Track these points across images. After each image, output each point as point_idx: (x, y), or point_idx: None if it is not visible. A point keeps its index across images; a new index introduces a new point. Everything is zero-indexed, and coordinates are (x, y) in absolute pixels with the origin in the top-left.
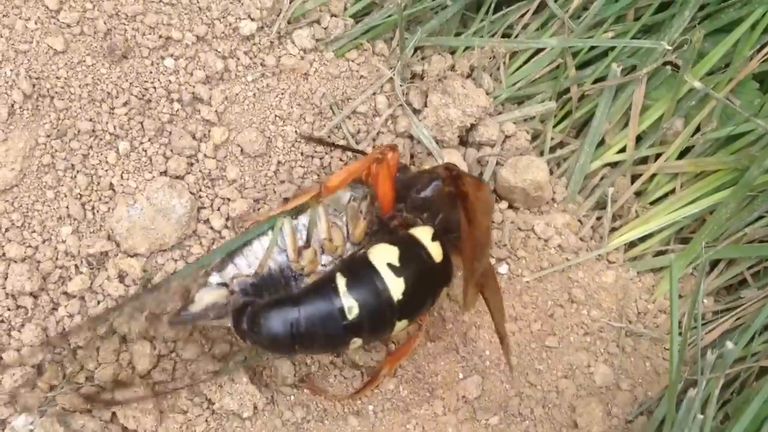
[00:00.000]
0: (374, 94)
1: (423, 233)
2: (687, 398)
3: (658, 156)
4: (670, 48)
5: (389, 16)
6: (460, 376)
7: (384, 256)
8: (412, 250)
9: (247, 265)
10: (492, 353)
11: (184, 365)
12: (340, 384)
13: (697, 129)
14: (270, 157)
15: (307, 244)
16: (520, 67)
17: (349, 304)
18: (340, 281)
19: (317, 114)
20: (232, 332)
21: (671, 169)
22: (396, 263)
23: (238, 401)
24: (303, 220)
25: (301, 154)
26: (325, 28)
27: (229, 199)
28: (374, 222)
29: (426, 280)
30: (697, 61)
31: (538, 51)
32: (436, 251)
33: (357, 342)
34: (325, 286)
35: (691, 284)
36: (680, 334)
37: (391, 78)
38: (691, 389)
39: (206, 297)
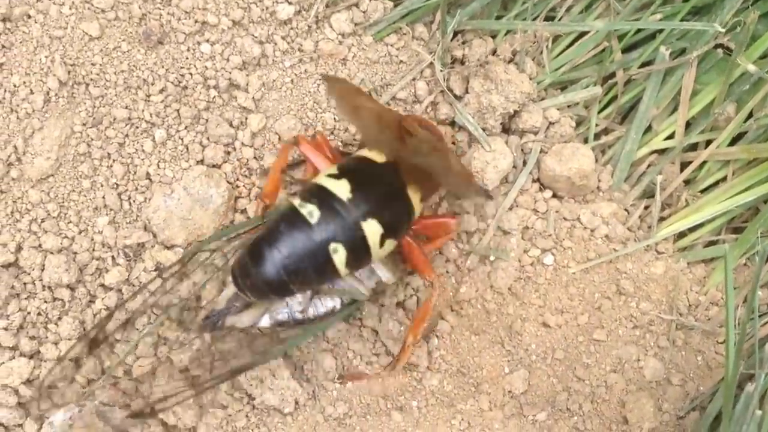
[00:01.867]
0: (414, 79)
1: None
2: (745, 393)
3: (707, 142)
4: (722, 30)
5: None
6: (506, 370)
7: (324, 172)
8: (349, 160)
9: None
10: (538, 347)
11: (223, 360)
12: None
13: (750, 115)
14: None
15: None
16: (564, 50)
17: (308, 210)
18: (294, 201)
19: None
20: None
21: (722, 156)
22: (334, 172)
23: (279, 396)
24: None
25: (341, 142)
26: (363, 12)
27: None
28: None
29: (373, 177)
30: (750, 43)
31: (582, 34)
32: (376, 156)
33: (339, 250)
34: (284, 211)
35: (744, 275)
36: (736, 326)
37: (432, 63)
38: (748, 384)
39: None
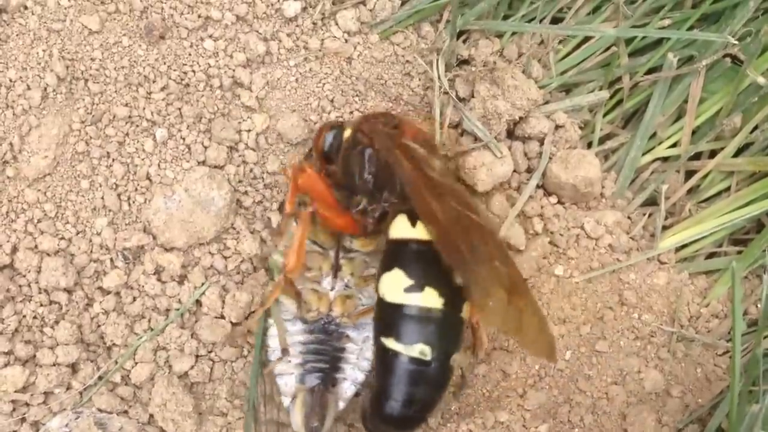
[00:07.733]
0: (420, 80)
1: (400, 225)
2: (749, 414)
3: (711, 152)
4: (736, 42)
5: None
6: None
7: (394, 285)
8: (409, 256)
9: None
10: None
11: None
12: None
13: (756, 126)
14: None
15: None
16: (570, 53)
17: (419, 350)
18: (390, 343)
19: (361, 101)
20: None
21: (728, 167)
22: (410, 282)
23: None
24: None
25: None
26: (371, 10)
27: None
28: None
29: (439, 264)
30: (760, 54)
31: (589, 37)
32: (422, 232)
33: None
34: (387, 359)
35: (744, 288)
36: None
37: (437, 64)
38: (754, 405)
39: (296, 416)
